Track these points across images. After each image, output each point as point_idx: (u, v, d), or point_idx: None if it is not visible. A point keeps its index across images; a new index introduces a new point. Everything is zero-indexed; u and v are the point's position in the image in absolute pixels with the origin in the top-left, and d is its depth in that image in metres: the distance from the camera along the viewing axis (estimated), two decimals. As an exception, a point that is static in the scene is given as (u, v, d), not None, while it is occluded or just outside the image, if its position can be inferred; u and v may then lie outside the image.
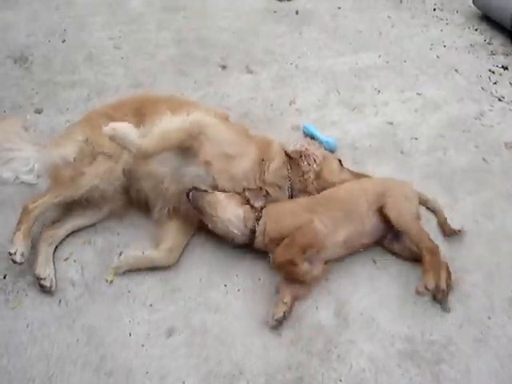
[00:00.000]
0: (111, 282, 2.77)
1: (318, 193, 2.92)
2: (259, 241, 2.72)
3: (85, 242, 2.94)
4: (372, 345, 2.52)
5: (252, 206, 2.74)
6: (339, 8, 5.12)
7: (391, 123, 3.81)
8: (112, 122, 2.63)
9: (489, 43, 4.69)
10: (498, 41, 4.70)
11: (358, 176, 3.09)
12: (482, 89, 4.18)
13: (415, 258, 2.77)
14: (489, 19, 4.92)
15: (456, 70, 4.36)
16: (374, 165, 3.43)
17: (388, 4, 5.20)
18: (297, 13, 5.02)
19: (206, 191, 2.71)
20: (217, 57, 4.41)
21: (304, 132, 3.68)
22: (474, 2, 4.98)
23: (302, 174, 2.91)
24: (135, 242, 2.93)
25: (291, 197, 2.94)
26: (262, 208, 2.74)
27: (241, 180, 2.78)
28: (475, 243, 2.96)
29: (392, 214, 2.69)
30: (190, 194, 2.69)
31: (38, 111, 3.73)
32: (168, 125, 2.71)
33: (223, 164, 2.74)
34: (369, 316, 2.63)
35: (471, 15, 5.04)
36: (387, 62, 4.43)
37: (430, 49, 4.61)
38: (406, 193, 2.83)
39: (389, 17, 5.01)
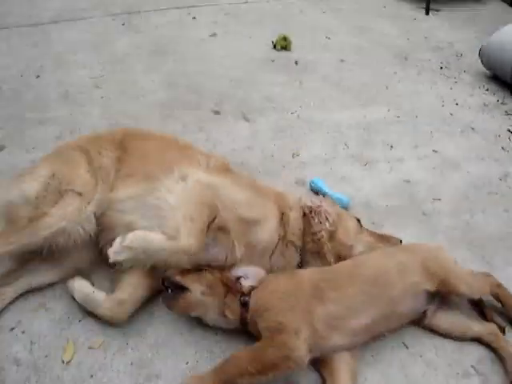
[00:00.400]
0: (68, 362, 2.12)
1: (335, 257, 2.38)
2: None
3: (38, 308, 2.31)
4: None
5: (237, 291, 2.19)
6: (342, 61, 4.80)
7: (408, 181, 3.35)
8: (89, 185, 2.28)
9: (502, 103, 4.36)
10: (512, 101, 4.39)
11: (382, 239, 2.57)
12: (503, 149, 3.78)
13: (464, 334, 2.25)
14: (498, 79, 4.64)
15: (472, 129, 3.98)
16: (393, 226, 2.91)
17: (393, 61, 4.90)
18: (296, 63, 4.67)
19: (178, 286, 2.20)
20: (210, 102, 3.96)
21: (311, 187, 3.18)
22: (482, 63, 4.71)
23: (314, 233, 2.37)
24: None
25: (301, 263, 2.39)
26: (251, 289, 2.19)
27: (266, 247, 2.31)
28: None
29: (462, 289, 2.21)
30: (162, 295, 2.27)
31: (0, 148, 3.16)
32: (185, 207, 2.20)
33: (242, 231, 2.26)
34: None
35: (479, 75, 4.76)
36: (398, 117, 4.03)
37: (442, 106, 4.25)
38: (450, 258, 2.31)
39: (395, 72, 4.69)
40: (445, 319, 2.27)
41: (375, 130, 3.83)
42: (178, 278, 2.21)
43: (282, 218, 2.38)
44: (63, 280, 2.39)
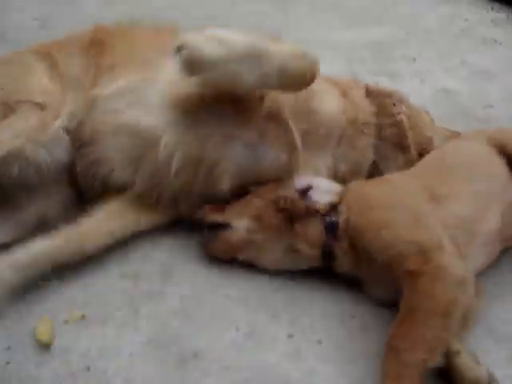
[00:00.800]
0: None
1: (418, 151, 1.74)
2: (341, 263, 1.48)
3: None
4: None
5: (309, 211, 1.49)
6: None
7: (447, 91, 2.77)
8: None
9: (513, 18, 3.87)
10: (523, 16, 3.90)
11: (453, 134, 1.96)
12: (536, 58, 3.27)
13: None
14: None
15: (495, 41, 3.45)
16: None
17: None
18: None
19: (216, 225, 1.56)
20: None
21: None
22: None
23: (391, 115, 1.71)
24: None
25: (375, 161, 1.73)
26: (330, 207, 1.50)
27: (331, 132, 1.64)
28: None
29: None
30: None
31: None
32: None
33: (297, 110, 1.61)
34: None
35: (479, -4, 4.25)
36: (408, 34, 3.45)
37: (451, 23, 3.71)
38: None
39: (389, -3, 4.12)
40: None
41: (389, 47, 3.24)
42: (212, 217, 1.51)
43: (344, 95, 1.71)
44: (22, 239, 1.59)
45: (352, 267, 1.46)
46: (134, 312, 1.46)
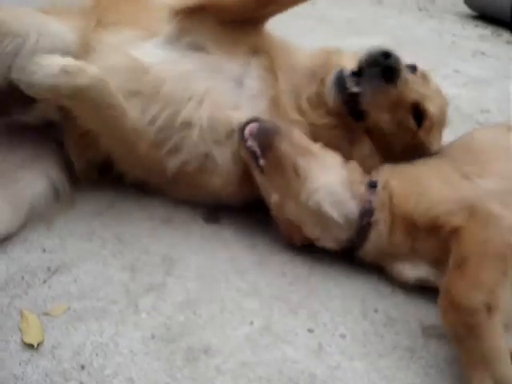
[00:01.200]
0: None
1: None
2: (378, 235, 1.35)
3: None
4: None
5: None
6: (313, 3, 4.17)
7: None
8: None
9: (498, 35, 3.93)
10: (507, 34, 3.96)
11: None
12: (524, 69, 3.29)
13: None
14: (482, 18, 4.23)
15: (483, 53, 3.47)
16: (450, 135, 2.26)
17: (370, 3, 4.36)
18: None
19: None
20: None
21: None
22: (465, 2, 4.28)
23: None
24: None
25: None
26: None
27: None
28: None
29: None
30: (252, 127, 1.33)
31: None
32: None
33: None
34: None
35: (461, 15, 4.36)
36: (399, 44, 3.42)
37: (440, 36, 3.72)
38: None
39: (374, 11, 4.13)
40: None
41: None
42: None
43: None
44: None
45: (386, 243, 1.33)
46: (134, 306, 1.30)
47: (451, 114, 2.48)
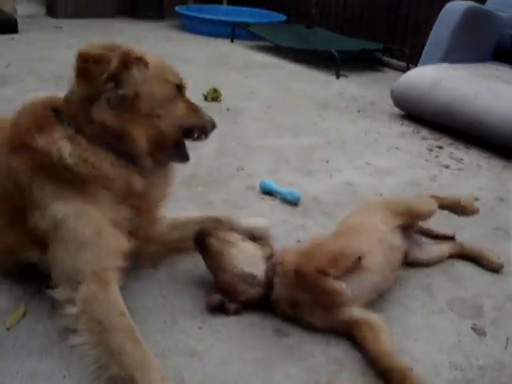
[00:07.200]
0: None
1: None
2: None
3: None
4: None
5: None
6: (269, 107, 5.15)
7: (350, 184, 3.56)
8: None
9: (417, 132, 4.83)
10: (425, 130, 4.86)
11: None
12: (427, 160, 4.16)
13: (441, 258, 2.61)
14: (410, 116, 5.15)
15: (397, 148, 4.35)
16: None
17: (315, 107, 5.32)
18: (228, 109, 4.94)
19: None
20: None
21: (262, 188, 3.29)
22: (394, 104, 5.24)
23: None
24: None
25: None
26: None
27: None
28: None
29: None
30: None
31: None
32: None
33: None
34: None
35: (393, 115, 5.27)
36: (328, 143, 4.34)
37: (366, 135, 4.63)
38: None
39: (319, 114, 5.09)
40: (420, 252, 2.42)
41: (310, 151, 4.09)
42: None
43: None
44: None
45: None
46: None
47: (350, 197, 3.32)
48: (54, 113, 2.02)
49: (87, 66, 1.87)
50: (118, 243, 1.95)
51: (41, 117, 2.00)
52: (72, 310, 1.80)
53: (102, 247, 1.90)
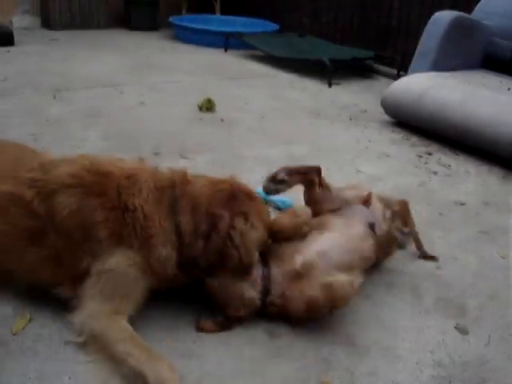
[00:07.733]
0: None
1: None
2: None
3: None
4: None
5: None
6: (262, 117, 5.27)
7: (341, 190, 3.68)
8: None
9: (407, 139, 4.96)
10: (414, 137, 5.00)
11: None
12: (416, 167, 4.29)
13: None
14: (401, 124, 5.29)
15: (387, 155, 4.48)
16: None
17: (308, 116, 5.45)
18: (222, 120, 5.06)
19: None
20: (149, 147, 4.19)
21: (255, 196, 3.40)
22: (385, 111, 5.37)
23: None
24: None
25: None
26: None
27: None
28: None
29: None
30: None
31: None
32: None
33: None
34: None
35: (384, 122, 5.40)
36: (319, 151, 4.46)
37: (357, 142, 4.76)
38: None
39: (311, 123, 5.22)
40: None
41: (301, 159, 4.20)
42: None
43: None
44: None
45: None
46: None
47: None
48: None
49: None
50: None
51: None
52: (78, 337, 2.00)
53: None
